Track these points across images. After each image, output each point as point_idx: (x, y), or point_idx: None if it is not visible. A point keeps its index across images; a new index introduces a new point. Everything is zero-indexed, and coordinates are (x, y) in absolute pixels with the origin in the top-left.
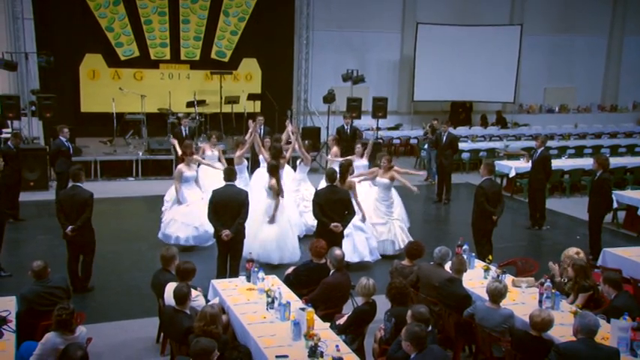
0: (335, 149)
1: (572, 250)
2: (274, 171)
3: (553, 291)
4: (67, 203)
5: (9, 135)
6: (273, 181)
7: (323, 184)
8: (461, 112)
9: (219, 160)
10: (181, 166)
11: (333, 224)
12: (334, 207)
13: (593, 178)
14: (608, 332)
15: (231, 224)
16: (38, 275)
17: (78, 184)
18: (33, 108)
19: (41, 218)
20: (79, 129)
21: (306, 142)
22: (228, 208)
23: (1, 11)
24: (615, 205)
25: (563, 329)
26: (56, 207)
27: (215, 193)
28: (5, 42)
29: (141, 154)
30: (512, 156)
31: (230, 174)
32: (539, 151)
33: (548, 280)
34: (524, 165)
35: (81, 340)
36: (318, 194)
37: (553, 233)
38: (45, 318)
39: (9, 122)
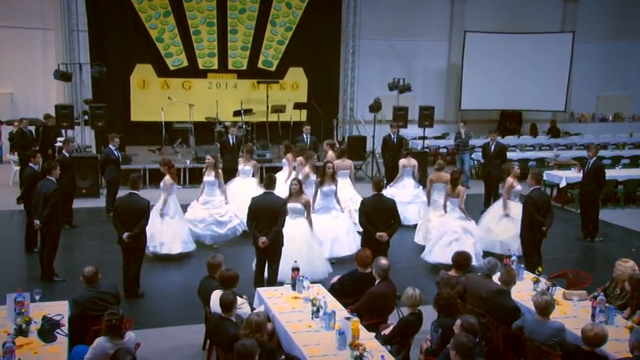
0: (330, 153)
1: (627, 263)
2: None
3: (607, 305)
4: (124, 210)
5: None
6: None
7: (369, 193)
8: (510, 122)
9: (254, 175)
10: (168, 178)
11: (378, 234)
12: (380, 216)
13: None
14: None
15: (268, 231)
16: (89, 281)
17: (135, 191)
18: (86, 117)
19: (92, 225)
20: (129, 138)
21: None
22: (266, 216)
23: (58, 24)
24: None
25: (618, 345)
26: (113, 213)
27: (254, 200)
28: (61, 53)
29: (188, 162)
30: (563, 166)
31: (270, 182)
32: (591, 161)
33: (602, 293)
34: (575, 175)
35: (130, 345)
36: (364, 203)
37: (606, 245)
38: (95, 323)
39: (63, 131)
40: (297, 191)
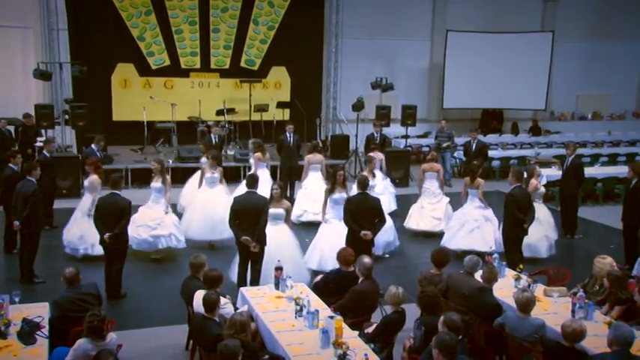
0: (258, 154)
1: (606, 260)
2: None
3: (586, 301)
4: (105, 210)
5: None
6: None
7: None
8: (492, 121)
9: (221, 181)
10: (95, 177)
11: (363, 232)
12: (365, 214)
13: (628, 186)
14: None
15: (252, 231)
16: (70, 282)
17: (116, 191)
18: (66, 117)
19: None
20: (110, 137)
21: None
22: (249, 215)
23: (37, 23)
24: None
25: (597, 340)
26: (94, 214)
27: (236, 200)
28: (40, 52)
29: (171, 161)
30: (544, 164)
31: (252, 181)
32: (570, 159)
33: (581, 289)
34: (555, 173)
35: (112, 347)
36: (349, 201)
37: (585, 242)
38: (77, 324)
39: (43, 131)
40: (278, 196)
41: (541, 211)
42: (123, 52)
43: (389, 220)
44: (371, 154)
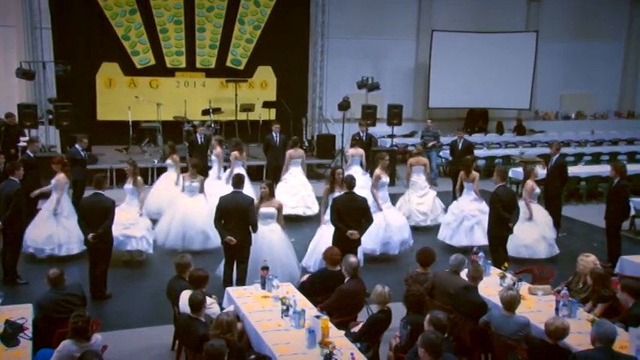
0: (235, 153)
1: (589, 258)
2: None
3: (570, 299)
4: (89, 210)
5: (26, 143)
6: None
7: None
8: (477, 120)
9: (201, 191)
10: (63, 176)
11: (349, 232)
12: (352, 214)
13: (611, 185)
14: (627, 340)
15: (237, 230)
16: (54, 283)
17: (100, 191)
18: (50, 116)
19: None
20: (95, 137)
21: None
22: (235, 215)
23: (20, 21)
24: (633, 212)
25: (580, 337)
26: (77, 214)
27: (222, 199)
28: (23, 51)
29: (156, 161)
30: (528, 163)
31: (238, 181)
32: (554, 158)
33: (565, 287)
34: (539, 172)
35: (96, 348)
36: (336, 200)
37: (569, 240)
38: (61, 325)
39: (26, 131)
40: (267, 195)
41: (538, 211)
42: (107, 51)
43: (403, 218)
44: (351, 149)
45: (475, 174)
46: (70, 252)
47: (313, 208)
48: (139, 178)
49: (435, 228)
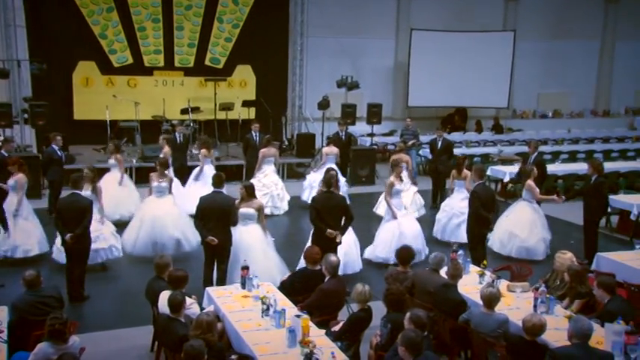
0: (204, 151)
1: (566, 255)
2: None
3: (548, 296)
4: (66, 211)
5: (1, 143)
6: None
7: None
8: (456, 119)
9: (170, 192)
10: (22, 176)
11: (328, 231)
12: (331, 212)
13: (588, 182)
14: (602, 336)
15: (217, 230)
16: (30, 284)
17: (77, 191)
18: (25, 116)
19: None
20: (72, 137)
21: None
22: (215, 215)
23: None
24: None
25: (557, 334)
26: (55, 215)
27: (202, 199)
28: None
29: (135, 161)
30: (507, 161)
31: (218, 180)
32: (533, 156)
33: (543, 284)
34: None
35: (74, 350)
36: (315, 200)
37: None
38: (37, 328)
39: (1, 130)
40: (246, 195)
41: (537, 212)
42: (84, 49)
43: (417, 227)
44: (325, 148)
45: (467, 172)
46: (27, 254)
47: (282, 208)
48: (98, 185)
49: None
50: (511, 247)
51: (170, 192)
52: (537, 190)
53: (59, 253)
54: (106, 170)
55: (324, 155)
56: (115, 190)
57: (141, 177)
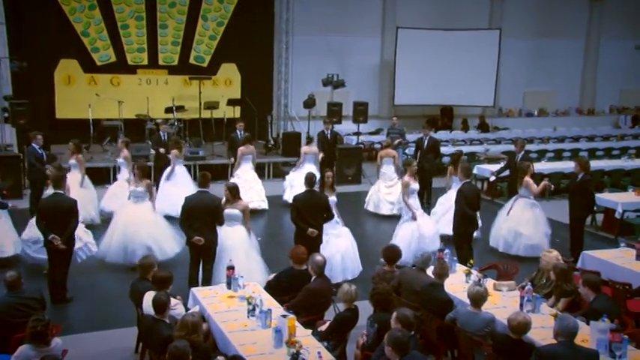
0: (175, 151)
1: (552, 253)
2: None
3: (534, 294)
4: (49, 211)
5: None
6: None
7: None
8: (439, 121)
9: (150, 198)
10: None
11: (310, 230)
12: (312, 211)
13: (574, 181)
14: (588, 334)
15: (204, 230)
16: (11, 286)
17: (60, 191)
18: (6, 114)
19: (16, 227)
20: (54, 136)
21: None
22: (201, 215)
23: None
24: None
25: (544, 332)
26: (36, 215)
27: (188, 199)
28: None
29: (118, 160)
30: (493, 160)
31: (204, 180)
32: (519, 155)
33: (530, 283)
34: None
35: (56, 352)
36: (296, 199)
37: None
38: (18, 330)
39: None
40: (230, 197)
41: (536, 207)
42: (66, 47)
43: (435, 228)
44: (304, 147)
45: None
46: (1, 255)
47: (265, 203)
48: (67, 184)
49: None
50: (518, 246)
51: (151, 198)
52: (535, 185)
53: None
54: (90, 170)
55: (302, 154)
56: (75, 192)
57: None
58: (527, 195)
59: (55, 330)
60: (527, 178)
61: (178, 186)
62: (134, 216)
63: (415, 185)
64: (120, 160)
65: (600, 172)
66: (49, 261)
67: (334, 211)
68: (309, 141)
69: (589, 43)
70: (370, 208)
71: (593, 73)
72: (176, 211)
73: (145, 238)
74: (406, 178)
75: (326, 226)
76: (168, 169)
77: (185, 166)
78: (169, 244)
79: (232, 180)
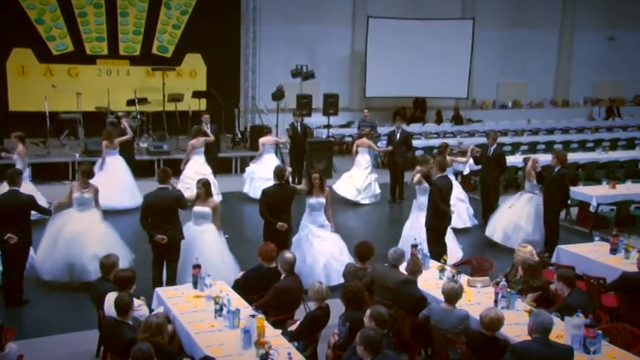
0: (106, 142)
1: (526, 248)
2: None
3: (508, 290)
4: (5, 209)
5: None
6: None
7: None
8: (415, 109)
9: (96, 205)
10: None
11: (279, 224)
12: (282, 205)
13: (550, 174)
14: (563, 330)
15: (166, 228)
16: None
17: (15, 187)
18: None
19: None
20: (7, 129)
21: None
22: (161, 212)
23: None
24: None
25: (518, 328)
26: None
27: (147, 197)
28: None
29: (77, 155)
30: (466, 153)
31: (164, 176)
32: (492, 148)
33: (504, 279)
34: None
35: (11, 358)
36: (265, 193)
37: None
38: None
39: None
40: (204, 194)
41: (540, 206)
42: (19, 35)
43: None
44: (262, 138)
45: (450, 159)
46: None
47: (219, 196)
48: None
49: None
50: (515, 239)
51: (97, 205)
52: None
53: None
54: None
55: (260, 145)
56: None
57: None
58: (532, 190)
59: (10, 334)
60: (530, 169)
61: (109, 175)
62: (84, 227)
63: (426, 183)
64: (15, 157)
65: (575, 166)
66: (4, 262)
67: (323, 213)
68: (267, 131)
69: (563, 34)
70: (339, 191)
71: (567, 64)
72: (107, 201)
73: (96, 250)
74: (418, 176)
75: (313, 229)
76: (100, 160)
77: (148, 161)
78: (122, 251)
79: (184, 173)
